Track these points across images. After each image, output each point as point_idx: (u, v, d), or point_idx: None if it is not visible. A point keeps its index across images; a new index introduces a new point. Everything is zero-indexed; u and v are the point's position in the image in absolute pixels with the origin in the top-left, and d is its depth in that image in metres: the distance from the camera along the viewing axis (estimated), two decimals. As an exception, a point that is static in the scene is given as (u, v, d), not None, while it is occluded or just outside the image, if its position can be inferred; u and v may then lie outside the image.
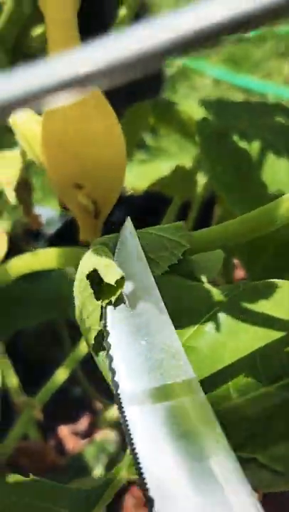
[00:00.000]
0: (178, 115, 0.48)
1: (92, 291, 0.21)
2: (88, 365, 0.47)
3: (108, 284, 0.21)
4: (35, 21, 0.36)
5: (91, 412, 0.59)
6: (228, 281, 0.53)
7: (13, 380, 0.44)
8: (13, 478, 0.22)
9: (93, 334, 0.21)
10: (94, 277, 0.22)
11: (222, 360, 0.20)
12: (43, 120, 0.29)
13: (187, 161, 0.52)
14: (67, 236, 0.43)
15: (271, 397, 0.19)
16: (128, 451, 0.20)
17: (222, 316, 0.21)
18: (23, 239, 0.59)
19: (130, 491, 0.53)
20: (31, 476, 0.21)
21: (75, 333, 0.53)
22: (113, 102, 0.29)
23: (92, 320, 0.21)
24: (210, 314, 0.21)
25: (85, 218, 0.29)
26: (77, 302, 0.23)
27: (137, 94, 0.51)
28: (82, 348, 0.45)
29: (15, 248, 0.41)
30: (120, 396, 0.19)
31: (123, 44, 0.09)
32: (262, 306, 0.21)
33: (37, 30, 0.36)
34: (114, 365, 0.20)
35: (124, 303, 0.21)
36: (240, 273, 0.60)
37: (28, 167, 0.36)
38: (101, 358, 0.21)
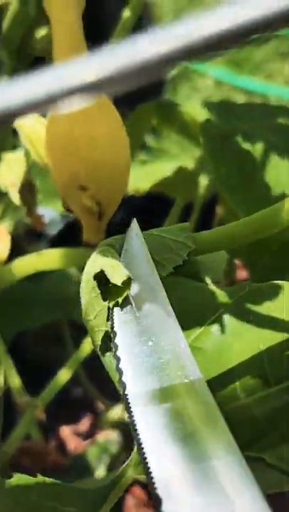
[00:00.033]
0: (180, 116, 0.48)
1: (99, 292, 0.22)
2: (90, 365, 0.47)
3: (115, 285, 0.21)
4: (40, 23, 0.36)
5: (93, 413, 0.59)
6: (230, 281, 0.53)
7: (15, 381, 0.44)
8: (18, 477, 0.22)
9: (100, 335, 0.21)
10: (101, 278, 0.22)
11: (229, 361, 0.20)
12: (48, 122, 0.29)
13: (189, 162, 0.53)
14: (68, 237, 0.43)
15: (278, 397, 0.19)
16: (135, 450, 0.20)
17: (227, 318, 0.21)
18: (25, 239, 0.59)
19: (131, 491, 0.53)
20: (38, 476, 0.21)
21: (78, 333, 0.54)
22: (114, 103, 0.29)
23: (99, 321, 0.21)
24: (216, 316, 0.21)
25: (88, 220, 0.29)
26: (83, 303, 0.23)
27: (138, 95, 0.51)
28: (85, 348, 0.45)
29: (17, 249, 0.41)
30: (128, 396, 0.19)
31: (129, 52, 0.09)
32: (266, 308, 0.21)
33: (42, 32, 0.36)
34: (121, 365, 0.20)
35: (131, 304, 0.21)
36: (242, 274, 0.60)
37: (30, 168, 0.36)
38: (108, 359, 0.21)
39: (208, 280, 0.26)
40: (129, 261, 0.23)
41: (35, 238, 0.61)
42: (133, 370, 0.20)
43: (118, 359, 0.20)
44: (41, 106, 0.09)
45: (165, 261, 0.24)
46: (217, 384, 0.20)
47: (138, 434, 0.18)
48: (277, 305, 0.21)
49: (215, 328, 0.21)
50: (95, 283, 0.22)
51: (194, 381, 0.19)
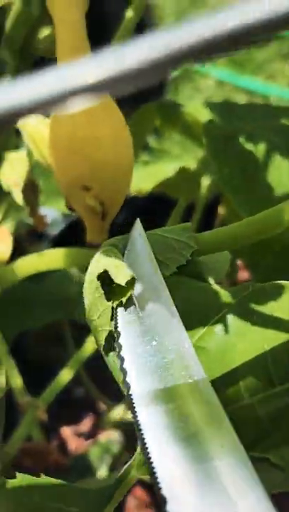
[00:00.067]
0: (183, 117, 0.48)
1: (103, 292, 0.21)
2: (92, 366, 0.47)
3: (119, 285, 0.21)
4: (43, 22, 0.36)
5: (95, 413, 0.59)
6: (232, 282, 0.53)
7: (17, 381, 0.44)
8: (22, 478, 0.22)
9: (104, 335, 0.21)
10: (104, 278, 0.22)
11: (232, 361, 0.20)
12: (51, 122, 0.29)
13: (192, 163, 0.53)
14: (70, 237, 0.43)
15: (282, 397, 0.19)
16: (138, 450, 0.20)
17: (231, 318, 0.21)
18: (27, 240, 0.59)
19: (133, 492, 0.53)
20: (42, 476, 0.21)
21: (79, 333, 0.54)
22: (117, 103, 0.29)
23: (103, 320, 0.21)
24: (219, 316, 0.21)
25: (92, 219, 0.29)
26: (87, 303, 0.23)
27: (140, 95, 0.51)
28: (87, 348, 0.45)
29: (19, 249, 0.41)
30: (132, 396, 0.19)
31: (131, 53, 0.09)
32: (270, 308, 0.21)
33: (45, 32, 0.36)
34: (125, 365, 0.20)
35: (134, 304, 0.21)
36: (243, 275, 0.60)
37: (33, 169, 0.36)
38: (111, 359, 0.21)
39: (211, 280, 0.26)
40: (132, 261, 0.23)
41: (36, 238, 0.61)
42: (137, 370, 0.20)
43: (122, 359, 0.20)
44: (44, 106, 0.09)
45: (168, 261, 0.24)
46: (221, 384, 0.20)
47: (142, 434, 0.18)
48: (280, 305, 0.21)
49: (218, 328, 0.21)
50: (98, 283, 0.22)
51: (198, 381, 0.19)
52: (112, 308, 0.21)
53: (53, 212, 0.62)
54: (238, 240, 0.26)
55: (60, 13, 0.30)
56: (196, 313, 0.22)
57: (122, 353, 0.20)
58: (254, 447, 0.19)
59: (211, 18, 0.09)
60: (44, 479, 0.21)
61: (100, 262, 0.22)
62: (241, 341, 0.20)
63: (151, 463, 0.17)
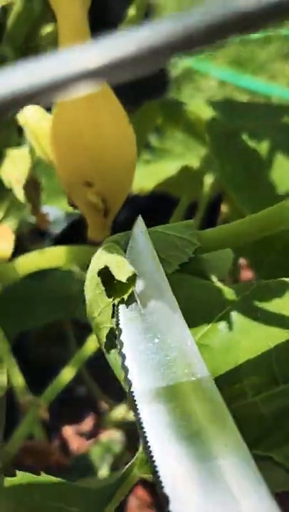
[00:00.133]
0: (185, 115, 0.48)
1: (104, 288, 0.21)
2: (94, 365, 0.47)
3: (120, 282, 0.21)
4: (45, 19, 0.36)
5: (96, 412, 0.58)
6: (235, 281, 0.53)
7: (18, 380, 0.44)
8: (22, 476, 0.22)
9: (105, 332, 0.21)
10: (105, 275, 0.21)
11: (236, 359, 0.20)
12: (54, 118, 0.29)
13: (194, 161, 0.52)
14: (72, 236, 0.43)
15: (286, 395, 0.19)
16: (140, 449, 0.20)
17: (235, 315, 0.21)
18: (29, 238, 0.59)
19: (134, 492, 0.53)
20: (42, 474, 0.21)
21: (81, 332, 0.53)
22: (120, 101, 0.29)
23: (104, 317, 0.21)
24: (223, 313, 0.21)
25: (94, 216, 0.29)
26: (88, 300, 0.23)
27: (141, 94, 0.51)
28: (88, 347, 0.45)
29: (21, 247, 0.41)
30: (133, 394, 0.19)
31: (132, 40, 0.09)
32: (275, 305, 0.21)
33: (47, 29, 0.36)
34: (126, 363, 0.20)
35: (136, 301, 0.21)
36: (246, 274, 0.60)
37: (35, 167, 0.36)
38: (113, 356, 0.21)
39: (213, 278, 0.26)
40: (134, 258, 0.23)
41: (38, 237, 0.60)
42: (139, 367, 0.19)
43: (124, 356, 0.20)
44: (44, 92, 0.09)
45: (170, 258, 0.24)
46: (224, 382, 0.19)
47: (144, 433, 0.18)
48: (285, 302, 0.21)
49: (222, 325, 0.21)
50: (99, 279, 0.21)
51: (201, 379, 0.19)
52: (114, 305, 0.21)
53: (55, 211, 0.62)
54: (240, 238, 0.25)
55: (63, 9, 0.30)
56: (199, 310, 0.22)
57: (124, 351, 0.20)
58: (257, 446, 0.19)
59: (209, 6, 0.09)
60: (44, 478, 0.21)
61: (101, 259, 0.22)
62: (245, 339, 0.20)
63: (154, 461, 0.17)
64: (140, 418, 0.18)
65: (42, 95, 0.09)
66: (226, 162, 0.37)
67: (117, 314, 0.21)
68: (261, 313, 0.21)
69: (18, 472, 0.22)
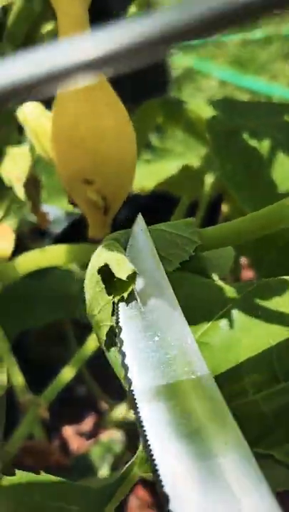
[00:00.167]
0: (186, 114, 0.48)
1: (104, 286, 0.21)
2: (94, 364, 0.47)
3: (120, 280, 0.21)
4: (45, 18, 0.36)
5: (97, 412, 0.58)
6: (236, 280, 0.52)
7: (18, 379, 0.44)
8: (20, 475, 0.21)
9: (105, 330, 0.21)
10: (105, 272, 0.21)
11: (237, 357, 0.20)
12: (54, 116, 0.29)
13: (195, 161, 0.52)
14: (73, 236, 0.42)
15: (287, 393, 0.19)
16: (140, 448, 0.20)
17: (236, 313, 0.21)
18: (29, 237, 0.59)
19: (135, 492, 0.52)
20: (42, 473, 0.21)
21: (81, 332, 0.53)
22: (120, 99, 0.29)
23: (104, 315, 0.21)
24: (224, 311, 0.21)
25: (94, 214, 0.29)
26: (87, 297, 0.22)
27: (142, 94, 0.51)
28: (89, 346, 0.45)
29: (21, 247, 0.41)
30: (133, 392, 0.19)
31: (128, 31, 0.09)
32: (275, 303, 0.21)
33: (47, 27, 0.36)
34: (126, 361, 0.19)
35: (136, 299, 0.21)
36: (247, 273, 0.59)
37: (36, 166, 0.36)
38: (113, 354, 0.21)
39: (214, 276, 0.26)
40: (134, 256, 0.23)
41: (39, 236, 0.60)
42: (139, 365, 0.19)
43: (123, 354, 0.20)
44: (43, 83, 0.09)
45: (171, 256, 0.24)
46: (225, 380, 0.19)
47: (144, 431, 0.18)
48: (285, 300, 0.21)
49: (223, 323, 0.21)
50: (99, 277, 0.21)
51: (201, 377, 0.19)
52: (114, 303, 0.21)
53: (55, 211, 0.62)
54: (241, 235, 0.25)
55: (64, 7, 0.30)
56: (200, 308, 0.22)
57: (124, 349, 0.20)
58: (258, 444, 0.19)
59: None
60: (44, 477, 0.21)
61: (101, 256, 0.22)
62: (246, 336, 0.20)
63: (153, 460, 0.17)
64: (140, 416, 0.18)
65: (39, 86, 0.08)
66: (227, 161, 0.37)
67: (117, 312, 0.21)
68: (262, 311, 0.20)
69: (17, 472, 0.21)
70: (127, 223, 0.25)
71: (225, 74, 1.38)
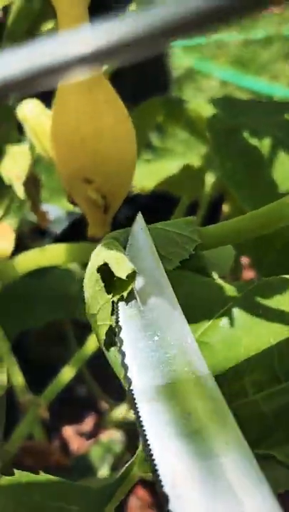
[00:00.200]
0: (186, 113, 0.48)
1: (103, 285, 0.21)
2: (94, 364, 0.47)
3: (119, 279, 0.21)
4: (45, 17, 0.36)
5: (97, 412, 0.58)
6: (236, 280, 0.52)
7: (18, 379, 0.44)
8: (19, 475, 0.21)
9: (104, 329, 0.21)
10: (105, 271, 0.21)
11: (237, 356, 0.19)
12: (53, 114, 0.28)
13: (195, 160, 0.52)
14: (73, 235, 0.42)
15: (288, 393, 0.19)
16: (140, 448, 0.20)
17: (236, 312, 0.21)
18: (30, 237, 0.59)
19: (135, 492, 0.52)
20: (41, 474, 0.21)
21: (81, 332, 0.53)
22: (120, 97, 0.29)
23: (103, 315, 0.21)
24: (224, 309, 0.21)
25: (94, 213, 0.29)
26: (87, 297, 0.22)
27: (143, 95, 0.50)
28: (89, 346, 0.45)
29: (21, 246, 0.41)
30: (133, 392, 0.18)
31: (127, 24, 0.09)
32: (276, 302, 0.21)
33: (47, 26, 0.36)
34: (126, 361, 0.19)
35: (136, 298, 0.21)
36: (248, 274, 0.59)
37: (35, 165, 0.36)
38: (112, 354, 0.21)
39: (214, 275, 0.25)
40: (134, 254, 0.23)
41: (39, 236, 0.60)
42: (138, 365, 0.19)
43: (123, 354, 0.20)
44: (40, 77, 0.09)
45: (171, 255, 0.24)
46: (225, 379, 0.19)
47: (144, 431, 0.18)
48: (287, 299, 0.21)
49: (223, 322, 0.20)
50: (98, 276, 0.21)
51: (201, 377, 0.19)
52: (113, 302, 0.21)
53: (56, 210, 0.62)
54: (241, 234, 0.25)
55: (64, 6, 0.30)
56: (200, 308, 0.22)
57: (123, 348, 0.20)
58: (259, 445, 0.18)
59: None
60: (44, 477, 0.21)
61: (100, 255, 0.22)
62: (247, 335, 0.20)
63: (153, 460, 0.17)
64: (140, 416, 0.18)
65: (38, 79, 0.08)
66: (227, 159, 0.37)
67: (117, 311, 0.20)
68: (263, 310, 0.20)
69: (16, 472, 0.21)
70: (127, 223, 0.25)
71: (226, 74, 1.38)
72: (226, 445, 0.17)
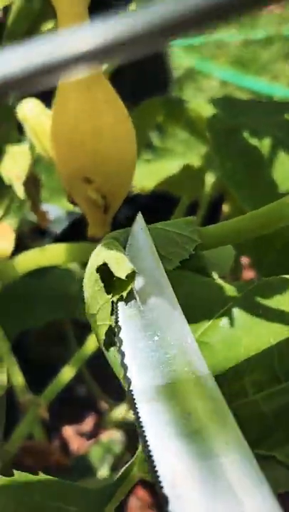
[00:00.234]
0: (187, 113, 0.48)
1: (103, 285, 0.21)
2: (94, 364, 0.47)
3: (119, 279, 0.21)
4: (46, 17, 0.36)
5: (97, 412, 0.58)
6: (236, 280, 0.52)
7: (18, 379, 0.44)
8: (18, 475, 0.21)
9: (104, 329, 0.21)
10: (104, 271, 0.21)
11: (237, 356, 0.19)
12: (53, 114, 0.28)
13: (195, 160, 0.52)
14: (73, 235, 0.42)
15: (288, 393, 0.19)
16: (139, 448, 0.20)
17: (236, 312, 0.21)
18: (30, 237, 0.59)
19: (135, 492, 0.52)
20: (40, 474, 0.21)
21: (81, 332, 0.53)
22: (120, 97, 0.29)
23: (103, 314, 0.21)
24: (224, 309, 0.21)
25: (94, 213, 0.29)
26: (86, 296, 0.22)
27: (143, 95, 0.50)
28: (89, 346, 0.44)
29: (21, 246, 0.41)
30: (133, 392, 0.18)
31: (125, 23, 0.09)
32: (276, 302, 0.21)
33: (47, 25, 0.36)
34: (126, 361, 0.19)
35: (135, 298, 0.21)
36: (248, 274, 0.59)
37: (36, 165, 0.36)
38: (112, 354, 0.21)
39: (214, 275, 0.25)
40: (134, 254, 0.22)
41: (39, 236, 0.60)
42: (138, 365, 0.19)
43: (123, 354, 0.19)
44: (38, 76, 0.09)
45: (171, 255, 0.23)
46: (225, 379, 0.19)
47: (143, 431, 0.18)
48: (287, 299, 0.20)
49: (223, 321, 0.20)
50: (98, 276, 0.21)
51: (201, 377, 0.19)
52: (112, 302, 0.21)
53: (56, 210, 0.62)
54: (241, 234, 0.25)
55: (64, 5, 0.30)
56: (200, 308, 0.22)
57: (123, 348, 0.20)
58: (259, 445, 0.18)
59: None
60: (43, 477, 0.21)
61: (100, 255, 0.22)
62: (247, 335, 0.20)
63: (153, 461, 0.17)
64: (139, 417, 0.18)
65: (38, 77, 0.08)
66: (227, 159, 0.37)
67: (117, 311, 0.20)
68: (263, 310, 0.20)
69: (15, 472, 0.21)
70: (127, 223, 0.25)
71: (226, 74, 1.38)
72: (226, 445, 0.17)
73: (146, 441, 0.17)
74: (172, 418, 0.18)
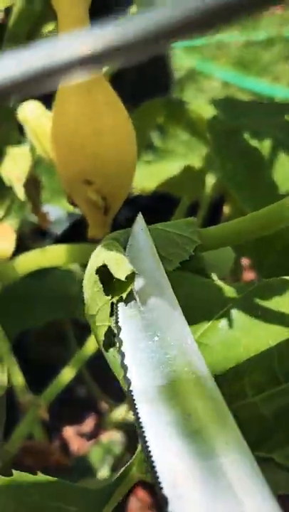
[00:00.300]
0: (188, 114, 0.48)
1: (102, 286, 0.21)
2: (94, 365, 0.47)
3: (118, 280, 0.21)
4: (46, 18, 0.36)
5: (97, 413, 0.58)
6: (237, 281, 0.52)
7: (18, 379, 0.44)
8: (18, 475, 0.21)
9: (103, 330, 0.21)
10: (104, 272, 0.21)
11: (237, 357, 0.19)
12: (54, 116, 0.29)
13: (196, 161, 0.52)
14: (74, 236, 0.42)
15: (288, 394, 0.19)
16: (139, 448, 0.20)
17: (236, 313, 0.21)
18: (30, 238, 0.59)
19: (135, 493, 0.52)
20: (39, 474, 0.21)
21: (81, 332, 0.53)
22: (121, 98, 0.29)
23: (102, 316, 0.21)
24: (224, 311, 0.21)
25: (94, 214, 0.29)
26: (86, 298, 0.22)
27: (144, 96, 0.51)
28: (89, 347, 0.45)
29: (22, 247, 0.41)
30: (132, 393, 0.18)
31: (124, 27, 0.09)
32: (276, 303, 0.21)
33: (48, 27, 0.36)
34: (126, 361, 0.19)
35: (135, 299, 0.21)
36: (249, 275, 0.59)
37: (36, 166, 0.36)
38: (111, 355, 0.21)
39: (214, 276, 0.25)
40: (134, 255, 0.23)
41: (40, 237, 0.60)
42: (138, 365, 0.19)
43: (123, 354, 0.20)
44: (38, 79, 0.09)
45: (171, 256, 0.24)
46: (224, 380, 0.19)
47: (143, 432, 0.18)
48: (286, 300, 0.21)
49: (223, 323, 0.20)
50: (97, 277, 0.21)
51: (201, 377, 0.19)
52: (112, 303, 0.21)
53: (57, 211, 0.62)
54: (241, 236, 0.25)
55: (64, 8, 0.30)
56: (200, 309, 0.22)
57: (123, 349, 0.20)
58: (258, 447, 0.18)
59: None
60: (43, 477, 0.21)
61: (100, 256, 0.22)
62: (246, 337, 0.20)
63: (152, 462, 0.17)
64: (139, 417, 0.18)
65: (37, 82, 0.08)
66: (227, 160, 0.37)
67: (117, 312, 0.20)
68: (262, 311, 0.20)
69: (15, 472, 0.21)
70: (128, 224, 0.25)
71: (227, 75, 1.38)
72: (226, 445, 0.17)
73: (146, 441, 0.17)
74: (172, 418, 0.18)
